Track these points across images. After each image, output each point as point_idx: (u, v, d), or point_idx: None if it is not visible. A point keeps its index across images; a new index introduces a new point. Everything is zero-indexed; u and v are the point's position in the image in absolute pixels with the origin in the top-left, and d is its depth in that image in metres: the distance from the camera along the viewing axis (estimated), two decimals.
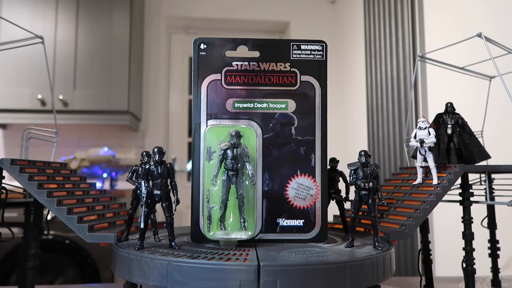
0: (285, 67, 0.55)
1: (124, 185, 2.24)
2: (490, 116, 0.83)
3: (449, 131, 0.66)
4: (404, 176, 0.68)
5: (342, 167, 0.60)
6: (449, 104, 0.68)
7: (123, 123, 2.19)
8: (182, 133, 2.72)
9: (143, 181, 0.48)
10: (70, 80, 2.14)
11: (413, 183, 0.62)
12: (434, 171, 0.59)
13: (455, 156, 0.66)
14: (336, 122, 2.43)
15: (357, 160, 0.51)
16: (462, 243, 0.60)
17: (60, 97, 2.11)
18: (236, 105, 0.54)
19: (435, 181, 0.58)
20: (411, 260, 1.59)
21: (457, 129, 0.66)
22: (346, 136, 2.41)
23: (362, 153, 0.51)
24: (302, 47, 0.55)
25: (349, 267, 0.43)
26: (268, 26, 2.82)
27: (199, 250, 0.47)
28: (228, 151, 0.50)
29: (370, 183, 0.51)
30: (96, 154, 2.11)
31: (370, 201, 0.51)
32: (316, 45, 0.55)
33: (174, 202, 0.48)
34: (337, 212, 0.63)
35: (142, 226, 0.48)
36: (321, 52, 0.55)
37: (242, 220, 0.50)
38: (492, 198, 0.65)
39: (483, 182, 0.67)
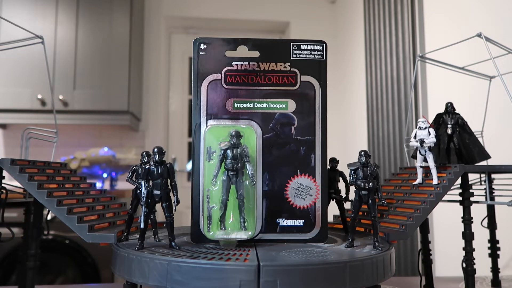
0: (285, 67, 0.55)
1: (124, 185, 2.24)
2: (490, 116, 0.83)
3: (449, 131, 0.66)
4: (404, 176, 0.68)
5: (342, 167, 0.60)
6: (449, 104, 0.68)
7: (123, 123, 2.19)
8: (182, 133, 2.72)
9: (143, 181, 0.48)
10: (70, 80, 2.14)
11: (413, 183, 0.62)
12: (434, 171, 0.59)
13: (455, 156, 0.66)
14: (336, 122, 2.43)
15: (357, 160, 0.51)
16: (462, 243, 0.60)
17: (60, 97, 2.11)
18: (236, 105, 0.54)
19: (435, 181, 0.58)
20: (411, 260, 1.59)
21: (457, 129, 0.66)
22: (346, 136, 2.41)
23: (362, 153, 0.51)
24: (302, 47, 0.55)
25: (349, 267, 0.43)
26: (268, 26, 2.82)
27: (199, 250, 0.47)
28: (228, 151, 0.50)
29: (370, 183, 0.51)
30: (96, 154, 2.11)
31: (370, 201, 0.51)
32: (316, 45, 0.55)
33: (174, 202, 0.48)
34: (337, 212, 0.63)
35: (142, 226, 0.48)
36: (321, 52, 0.55)
37: (242, 220, 0.50)
38: (492, 198, 0.65)
39: (483, 182, 0.67)
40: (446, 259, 1.39)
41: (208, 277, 0.41)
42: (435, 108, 1.48)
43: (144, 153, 0.53)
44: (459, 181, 0.61)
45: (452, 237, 1.29)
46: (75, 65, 2.16)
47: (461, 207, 0.61)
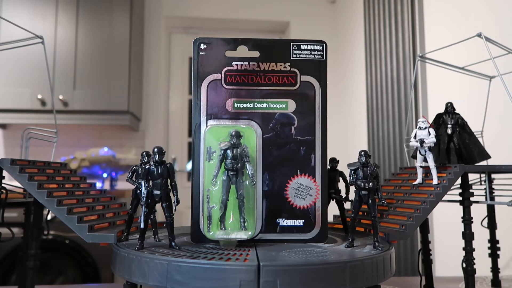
0: (285, 67, 0.55)
1: (124, 185, 2.24)
2: (490, 116, 0.83)
3: (449, 131, 0.66)
4: (404, 176, 0.68)
5: (342, 167, 0.60)
6: (449, 104, 0.68)
7: (123, 123, 2.19)
8: (182, 133, 2.72)
9: (143, 181, 0.48)
10: (70, 80, 2.14)
11: (413, 183, 0.62)
12: (434, 171, 0.59)
13: (455, 156, 0.66)
14: (336, 122, 2.43)
15: (357, 160, 0.51)
16: (462, 243, 0.60)
17: (60, 97, 2.11)
18: (236, 105, 0.54)
19: (435, 181, 0.58)
20: (411, 260, 1.59)
21: (457, 129, 0.66)
22: (346, 136, 2.41)
23: (362, 153, 0.51)
24: (302, 47, 0.55)
25: (349, 267, 0.43)
26: (268, 26, 2.82)
27: (199, 250, 0.47)
28: (228, 151, 0.50)
29: (370, 183, 0.51)
30: (96, 154, 2.11)
31: (370, 201, 0.51)
32: (316, 45, 0.55)
33: (174, 202, 0.48)
34: (337, 212, 0.63)
35: (142, 226, 0.48)
36: (321, 52, 0.55)
37: (242, 220, 0.50)
38: (492, 198, 0.65)
39: (483, 182, 0.67)
40: (446, 259, 1.39)
41: (208, 277, 0.41)
42: (435, 108, 1.48)
43: (144, 153, 0.53)
44: (459, 181, 0.61)
45: (452, 237, 1.29)
46: (75, 65, 2.16)
47: (461, 207, 0.61)
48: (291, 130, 0.54)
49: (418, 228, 0.64)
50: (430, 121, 0.66)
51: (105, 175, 2.15)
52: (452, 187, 0.59)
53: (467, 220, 0.61)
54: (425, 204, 0.56)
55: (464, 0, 1.33)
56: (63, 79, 2.14)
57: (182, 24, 2.78)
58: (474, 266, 0.60)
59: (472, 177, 0.68)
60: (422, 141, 0.58)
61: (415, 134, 0.60)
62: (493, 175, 0.67)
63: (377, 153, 1.88)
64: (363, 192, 0.51)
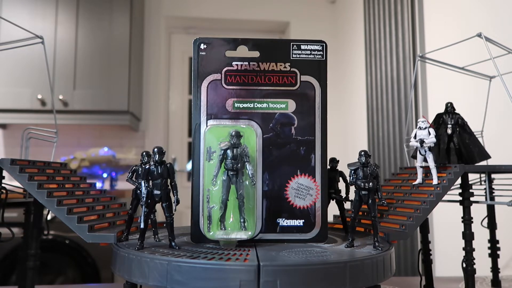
0: (285, 67, 0.55)
1: (124, 185, 2.24)
2: (490, 116, 0.83)
3: (449, 131, 0.66)
4: (404, 176, 0.68)
5: (342, 167, 0.60)
6: (449, 104, 0.68)
7: (123, 123, 2.19)
8: (182, 133, 2.72)
9: (143, 181, 0.48)
10: (70, 80, 2.14)
11: (413, 183, 0.62)
12: (434, 171, 0.59)
13: (455, 156, 0.66)
14: (336, 122, 2.43)
15: (357, 160, 0.52)
16: (462, 243, 0.60)
17: (60, 97, 2.11)
18: (236, 105, 0.54)
19: (435, 181, 0.58)
20: (411, 260, 1.59)
21: (457, 129, 0.66)
22: (346, 136, 2.41)
23: (362, 153, 0.51)
24: (302, 47, 0.55)
25: (349, 267, 0.43)
26: (268, 26, 2.82)
27: (199, 250, 0.47)
28: (228, 151, 0.50)
29: (370, 183, 0.51)
30: (96, 154, 2.11)
31: (370, 201, 0.51)
32: (316, 45, 0.55)
33: (174, 202, 0.48)
34: (337, 212, 0.63)
35: (142, 226, 0.48)
36: (321, 52, 0.55)
37: (242, 220, 0.50)
38: (492, 198, 0.65)
39: (483, 182, 0.67)
40: (446, 259, 1.39)
41: (208, 277, 0.41)
42: (435, 108, 1.48)
43: (144, 153, 0.53)
44: (459, 181, 0.61)
45: (452, 237, 1.29)
46: (75, 65, 2.16)
47: (461, 207, 0.61)
48: (291, 130, 0.54)
49: (418, 228, 0.64)
50: (430, 121, 0.66)
51: (105, 175, 2.14)
52: (452, 187, 0.59)
53: (467, 220, 0.61)
54: (425, 204, 0.56)
55: (464, 0, 1.33)
56: (63, 79, 2.14)
57: (182, 24, 2.78)
58: (474, 266, 0.60)
59: (472, 177, 0.68)
60: (422, 141, 0.58)
61: (415, 134, 0.60)
62: (493, 175, 0.67)
63: (377, 153, 1.88)
64: (363, 192, 0.51)
